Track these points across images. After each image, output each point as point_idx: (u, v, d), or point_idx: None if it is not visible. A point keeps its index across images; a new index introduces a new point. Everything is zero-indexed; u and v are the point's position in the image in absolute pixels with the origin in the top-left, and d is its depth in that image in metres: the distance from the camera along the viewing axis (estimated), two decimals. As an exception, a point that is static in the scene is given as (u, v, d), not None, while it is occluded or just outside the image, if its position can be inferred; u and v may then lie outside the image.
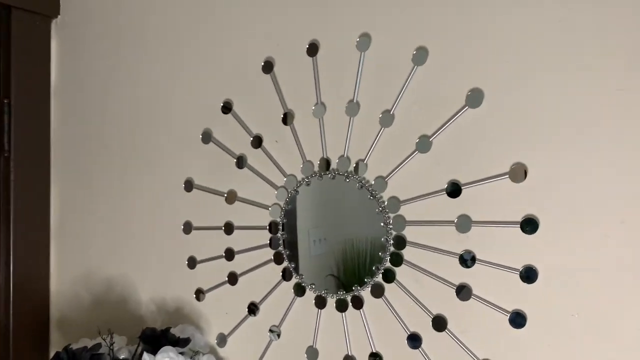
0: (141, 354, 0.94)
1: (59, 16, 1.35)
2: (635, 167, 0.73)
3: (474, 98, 0.83)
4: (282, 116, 1.01)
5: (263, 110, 1.03)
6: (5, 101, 1.26)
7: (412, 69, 0.88)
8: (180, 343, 1.01)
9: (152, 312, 1.20)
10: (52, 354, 1.20)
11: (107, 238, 1.27)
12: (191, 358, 1.00)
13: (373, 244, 0.92)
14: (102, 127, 1.27)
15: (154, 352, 0.93)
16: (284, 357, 1.02)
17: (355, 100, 0.93)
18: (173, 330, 1.04)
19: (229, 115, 1.07)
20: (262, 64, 1.03)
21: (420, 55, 0.87)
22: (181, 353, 0.98)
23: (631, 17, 0.73)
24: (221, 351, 1.09)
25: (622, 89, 0.73)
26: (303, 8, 0.99)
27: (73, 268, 1.33)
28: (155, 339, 0.99)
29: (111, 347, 0.98)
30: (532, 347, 0.79)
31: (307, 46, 0.98)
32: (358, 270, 0.94)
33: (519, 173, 0.80)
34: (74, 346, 0.95)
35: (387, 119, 0.90)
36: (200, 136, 1.11)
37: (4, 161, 1.26)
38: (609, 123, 0.74)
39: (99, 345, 0.93)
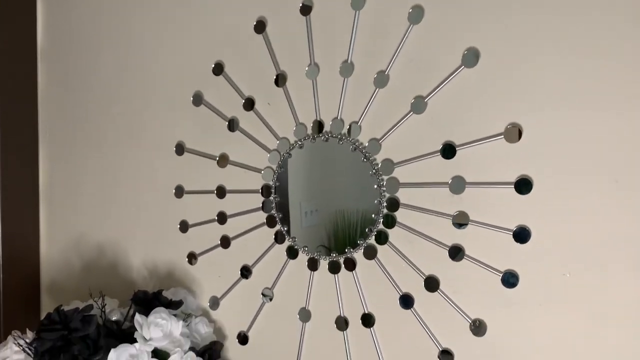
0: (133, 315, 0.94)
1: (45, -25, 1.31)
2: (629, 127, 0.72)
3: (470, 57, 0.81)
4: (274, 77, 0.99)
5: (255, 71, 1.01)
6: (-9, 62, 1.23)
7: (408, 28, 0.86)
8: (172, 305, 1.01)
9: (144, 277, 1.19)
10: (43, 318, 1.19)
11: (97, 202, 1.25)
12: (184, 320, 0.99)
13: (364, 216, 0.91)
14: (91, 88, 1.25)
15: (146, 314, 0.93)
16: (276, 319, 1.02)
17: (349, 61, 0.92)
18: (165, 294, 1.04)
19: (221, 76, 1.05)
20: (254, 23, 1.01)
21: (416, 14, 0.85)
22: (174, 315, 0.97)
23: (631, -26, 0.71)
24: (214, 314, 1.09)
25: (620, 47, 0.72)
26: (296, -34, 0.97)
27: (63, 233, 1.31)
28: (147, 301, 0.99)
29: (103, 309, 0.98)
30: (523, 306, 0.80)
31: (301, 5, 0.95)
32: (349, 241, 0.93)
33: (513, 133, 0.79)
34: (66, 308, 0.94)
35: (381, 79, 0.89)
36: (191, 98, 1.09)
37: (-10, 124, 1.24)
38: (605, 83, 0.73)
39: (90, 307, 0.93)
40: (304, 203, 0.99)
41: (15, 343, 0.91)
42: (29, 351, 0.90)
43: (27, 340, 0.92)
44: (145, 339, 0.90)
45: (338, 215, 0.94)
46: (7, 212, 1.27)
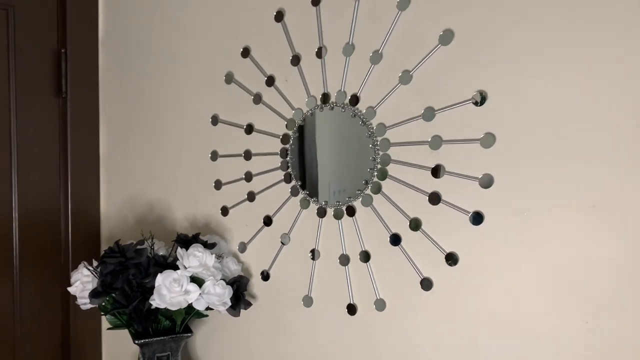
0: (176, 249, 1.13)
1: (104, -22, 1.52)
2: (573, 89, 0.86)
3: (446, 37, 0.96)
4: (290, 58, 1.16)
5: (275, 53, 1.19)
6: (62, 51, 1.44)
7: (397, 14, 1.01)
8: (207, 246, 1.19)
9: (186, 227, 1.39)
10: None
11: (147, 166, 1.45)
12: (218, 258, 1.18)
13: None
14: (142, 70, 1.45)
15: (186, 249, 1.12)
16: (292, 258, 1.20)
17: (350, 43, 1.08)
18: (202, 238, 1.22)
19: (247, 58, 1.23)
20: (275, 13, 1.18)
21: (403, 3, 1.00)
22: (214, 255, 1.15)
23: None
24: (242, 256, 1.28)
25: (570, 23, 0.86)
26: (309, -35, 1.13)
27: (119, 193, 1.52)
28: (187, 241, 1.18)
29: (152, 247, 1.17)
30: (488, 240, 0.94)
31: (312, -3, 1.12)
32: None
33: (480, 98, 0.93)
34: (122, 244, 1.14)
35: (376, 57, 1.05)
36: (224, 77, 1.27)
37: (62, 102, 1.45)
38: (555, 49, 0.87)
39: (142, 242, 1.12)
40: (333, 184, 1.14)
41: (86, 268, 1.12)
42: (95, 273, 1.11)
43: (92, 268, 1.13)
44: (185, 266, 1.09)
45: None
46: (74, 175, 1.48)
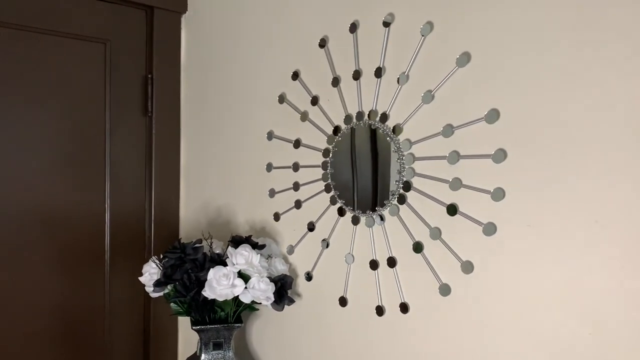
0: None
1: (187, 12, 1.73)
2: (583, 109, 0.88)
3: (462, 60, 1.02)
4: (331, 80, 1.27)
5: (319, 76, 1.30)
6: (149, 76, 1.66)
7: (421, 40, 1.09)
8: (257, 247, 1.33)
9: (247, 230, 1.54)
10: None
11: (216, 177, 1.63)
12: (266, 258, 1.31)
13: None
14: (214, 93, 1.63)
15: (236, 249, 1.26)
16: (331, 260, 1.29)
17: (381, 66, 1.16)
18: (256, 239, 1.36)
19: (297, 81, 1.36)
20: (319, 41, 1.30)
21: (426, 28, 1.08)
22: (259, 254, 1.29)
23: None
24: (290, 258, 1.40)
25: (570, 45, 0.89)
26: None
27: (194, 200, 1.72)
28: (240, 242, 1.32)
29: (210, 245, 1.33)
30: (499, 250, 0.98)
31: (349, 25, 1.22)
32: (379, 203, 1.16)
33: (493, 116, 0.98)
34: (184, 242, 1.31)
35: (403, 78, 1.12)
36: (277, 98, 1.41)
37: (148, 120, 1.68)
38: (559, 68, 0.90)
39: (200, 241, 1.28)
40: (364, 194, 1.21)
41: (153, 261, 1.31)
42: (159, 266, 1.28)
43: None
44: (233, 263, 1.23)
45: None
46: (157, 184, 1.69)
